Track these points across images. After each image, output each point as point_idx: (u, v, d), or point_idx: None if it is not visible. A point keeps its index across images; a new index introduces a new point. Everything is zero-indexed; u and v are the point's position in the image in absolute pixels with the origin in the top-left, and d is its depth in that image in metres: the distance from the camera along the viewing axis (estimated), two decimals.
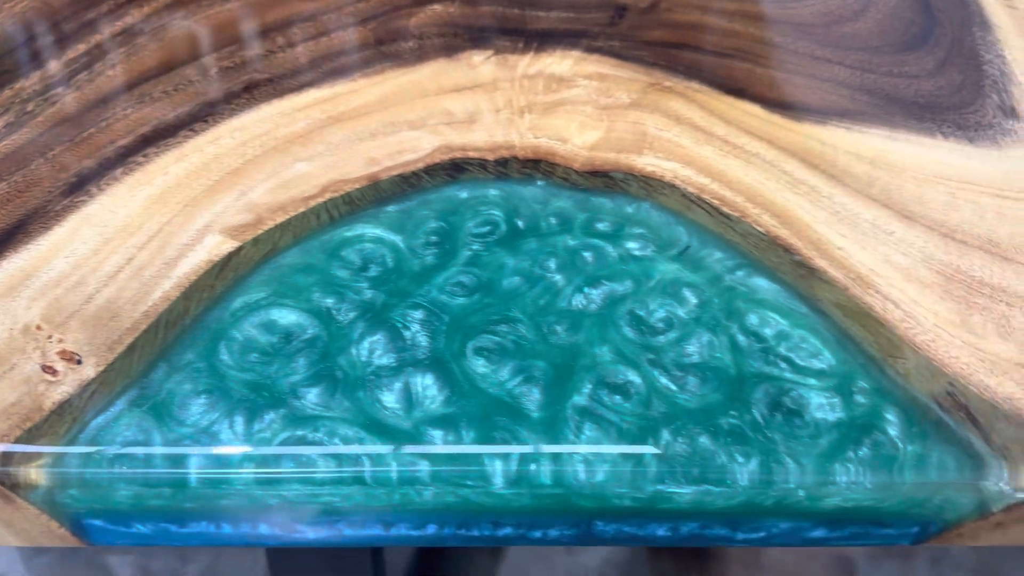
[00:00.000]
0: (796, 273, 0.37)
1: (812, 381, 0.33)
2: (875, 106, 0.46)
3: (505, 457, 0.31)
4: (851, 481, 0.31)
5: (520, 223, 0.40)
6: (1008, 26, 0.52)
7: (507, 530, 0.31)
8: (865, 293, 0.36)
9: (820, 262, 0.37)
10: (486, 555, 1.01)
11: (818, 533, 0.32)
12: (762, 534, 0.32)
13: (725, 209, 0.40)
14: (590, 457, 0.31)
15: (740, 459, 0.31)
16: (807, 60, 0.49)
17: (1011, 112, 0.45)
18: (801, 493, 0.31)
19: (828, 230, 0.38)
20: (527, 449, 0.31)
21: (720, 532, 0.32)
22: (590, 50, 0.50)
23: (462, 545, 0.32)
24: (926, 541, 0.32)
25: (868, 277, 0.36)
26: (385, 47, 0.50)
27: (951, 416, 0.32)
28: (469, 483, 0.31)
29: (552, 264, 0.38)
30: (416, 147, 0.43)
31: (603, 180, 0.42)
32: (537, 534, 0.32)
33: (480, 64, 0.49)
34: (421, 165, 0.42)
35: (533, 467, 0.31)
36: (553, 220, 0.40)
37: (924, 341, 0.34)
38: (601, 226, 0.40)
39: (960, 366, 0.33)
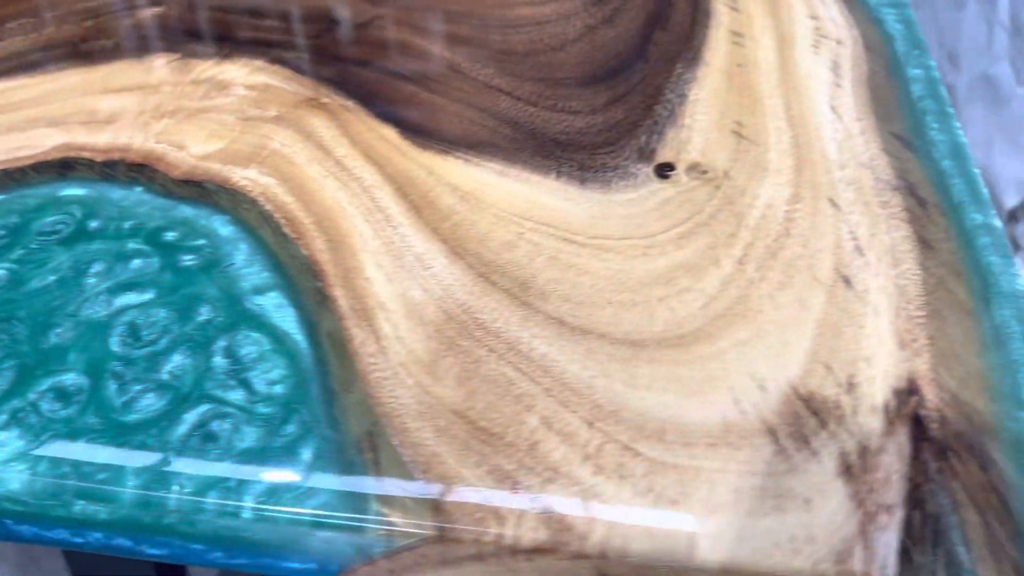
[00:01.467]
0: (314, 299, 0.37)
1: (260, 408, 0.33)
2: (512, 140, 0.45)
3: None
4: (222, 509, 0.31)
5: (94, 225, 0.41)
6: (718, 64, 0.50)
7: None
8: (357, 325, 0.36)
9: (337, 291, 0.37)
10: None
11: (216, 556, 0.32)
12: (167, 550, 0.32)
13: (286, 230, 0.40)
14: None
15: (130, 475, 0.32)
16: (479, 89, 0.49)
17: (648, 155, 0.44)
18: (175, 516, 0.31)
19: (369, 260, 0.38)
20: None
21: (124, 543, 0.32)
22: (276, 60, 0.50)
23: None
24: None
25: (372, 310, 0.36)
26: (86, 45, 0.52)
27: (362, 457, 0.32)
28: None
29: (95, 268, 0.39)
30: (38, 144, 0.45)
31: (196, 190, 0.43)
32: None
33: (160, 67, 0.50)
34: (30, 162, 0.44)
35: None
36: (127, 225, 0.41)
37: (378, 378, 0.34)
38: (168, 235, 0.41)
39: (395, 407, 0.33)
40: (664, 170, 0.43)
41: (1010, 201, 1.64)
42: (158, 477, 0.31)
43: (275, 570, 0.32)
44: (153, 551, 0.32)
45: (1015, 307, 0.37)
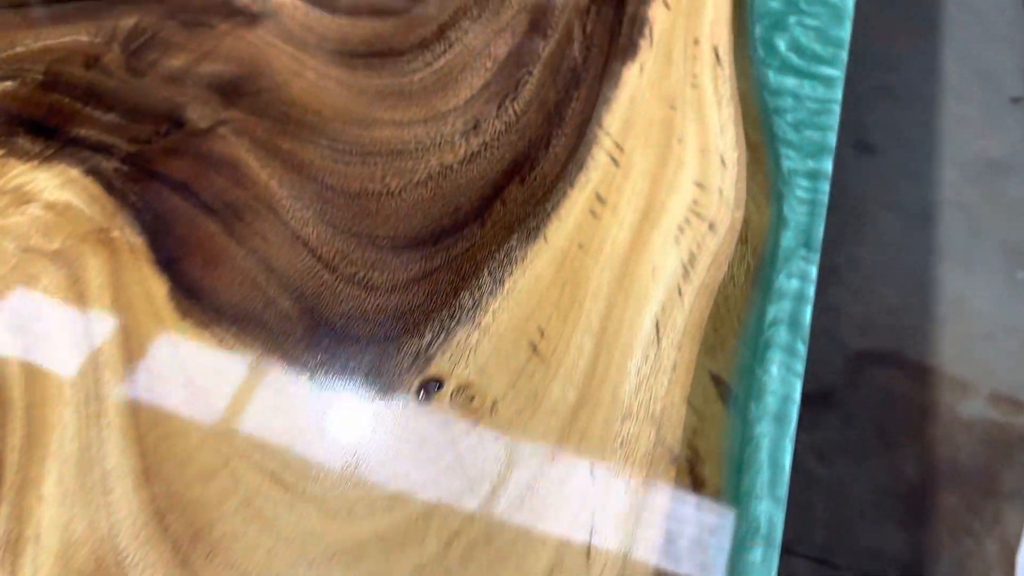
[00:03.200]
0: None
1: None
2: (285, 318, 0.41)
3: None
4: None
5: None
6: (557, 242, 0.45)
7: None
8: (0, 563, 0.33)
9: (4, 508, 0.34)
10: None
11: None
12: None
13: None
14: None
15: None
16: (285, 238, 0.44)
17: (423, 363, 0.39)
18: None
19: (54, 469, 0.36)
20: None
21: None
22: (91, 171, 0.47)
23: None
24: None
25: (25, 542, 0.34)
26: None
27: None
28: None
29: None
30: None
31: None
32: None
33: None
34: None
35: None
36: None
37: None
38: None
39: None
40: (430, 387, 0.38)
41: None
42: None
43: None
44: None
45: None
